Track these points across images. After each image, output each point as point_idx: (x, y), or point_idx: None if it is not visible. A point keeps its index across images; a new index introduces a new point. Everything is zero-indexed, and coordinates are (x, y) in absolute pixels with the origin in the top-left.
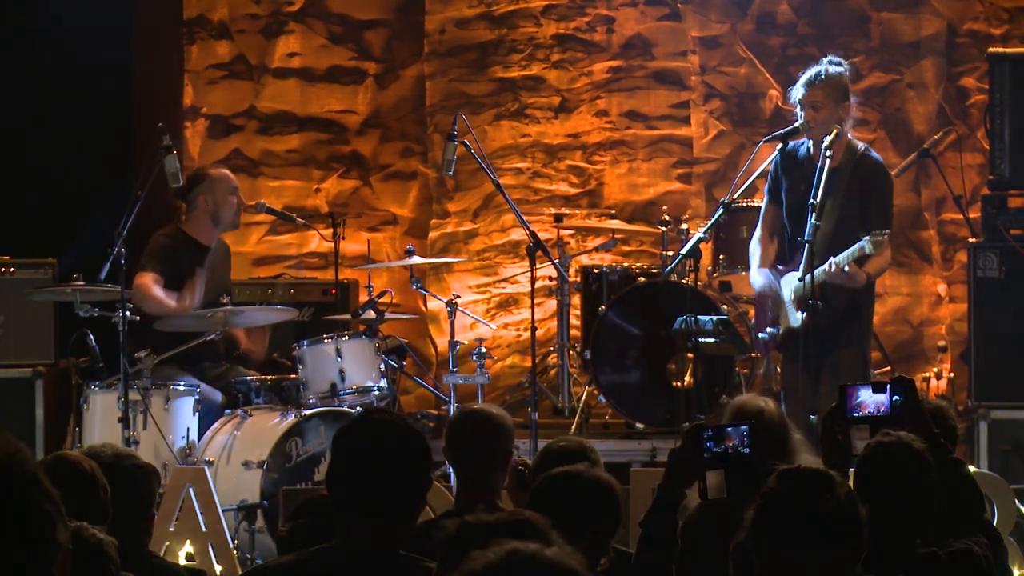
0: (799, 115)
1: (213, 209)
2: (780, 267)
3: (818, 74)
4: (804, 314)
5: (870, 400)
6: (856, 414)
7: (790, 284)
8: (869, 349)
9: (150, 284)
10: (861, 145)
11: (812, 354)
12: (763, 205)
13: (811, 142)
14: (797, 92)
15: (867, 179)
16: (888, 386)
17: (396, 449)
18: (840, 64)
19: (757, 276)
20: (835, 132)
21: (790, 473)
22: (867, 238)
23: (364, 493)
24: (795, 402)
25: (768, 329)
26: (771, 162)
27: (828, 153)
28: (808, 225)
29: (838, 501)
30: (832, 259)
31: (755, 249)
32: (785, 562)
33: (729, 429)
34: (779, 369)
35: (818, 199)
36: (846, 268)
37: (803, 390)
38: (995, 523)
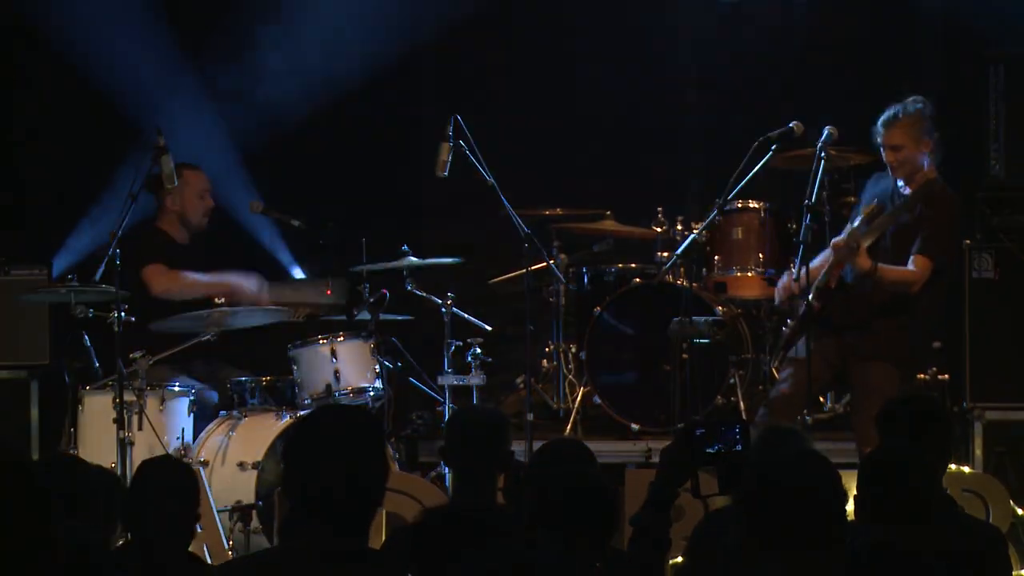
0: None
1: (180, 210)
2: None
3: (895, 114)
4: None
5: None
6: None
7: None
8: (906, 365)
9: (167, 270)
10: (937, 179)
11: (816, 342)
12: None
13: (899, 180)
14: (878, 134)
15: (928, 205)
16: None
17: (346, 437)
18: (919, 102)
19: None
20: (826, 132)
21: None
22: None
23: (317, 485)
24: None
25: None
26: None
27: (822, 154)
28: (803, 226)
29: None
30: (850, 226)
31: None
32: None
33: (722, 428)
34: (776, 370)
35: (812, 199)
36: (856, 242)
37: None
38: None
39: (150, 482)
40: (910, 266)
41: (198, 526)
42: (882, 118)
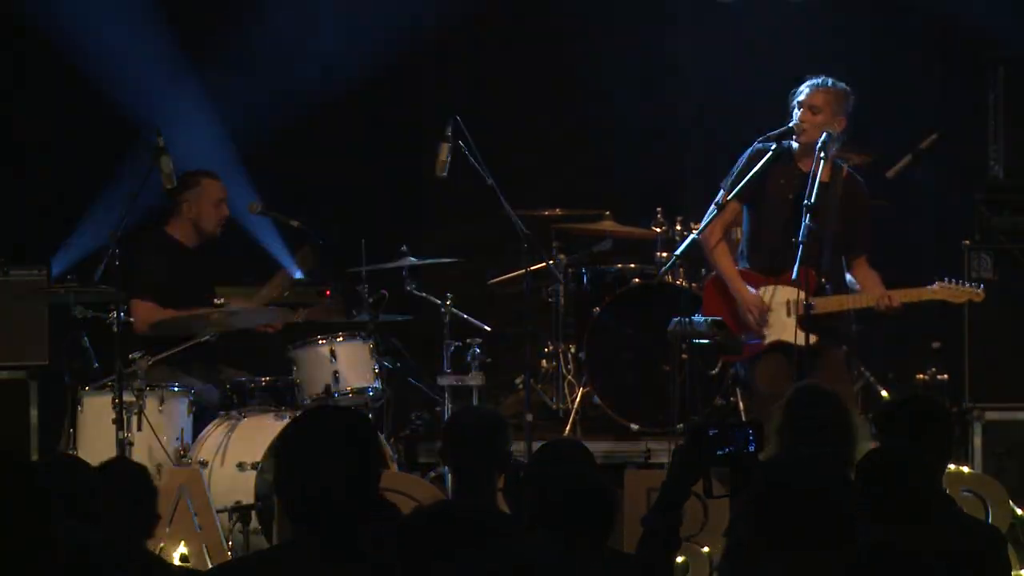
0: (794, 116)
1: (195, 217)
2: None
3: (825, 80)
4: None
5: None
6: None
7: (785, 297)
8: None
9: (154, 308)
10: (844, 165)
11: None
12: (724, 202)
13: (795, 146)
14: (799, 93)
15: (854, 202)
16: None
17: (339, 438)
18: (847, 87)
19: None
20: (825, 134)
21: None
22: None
23: (310, 485)
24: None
25: (756, 340)
26: (750, 162)
27: (822, 155)
28: (802, 226)
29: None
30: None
31: (722, 253)
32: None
33: (734, 429)
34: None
35: (812, 200)
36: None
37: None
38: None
39: (107, 483)
40: (862, 271)
41: (198, 527)
42: (811, 80)
